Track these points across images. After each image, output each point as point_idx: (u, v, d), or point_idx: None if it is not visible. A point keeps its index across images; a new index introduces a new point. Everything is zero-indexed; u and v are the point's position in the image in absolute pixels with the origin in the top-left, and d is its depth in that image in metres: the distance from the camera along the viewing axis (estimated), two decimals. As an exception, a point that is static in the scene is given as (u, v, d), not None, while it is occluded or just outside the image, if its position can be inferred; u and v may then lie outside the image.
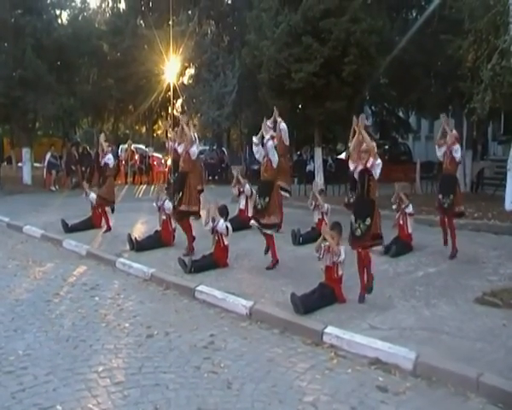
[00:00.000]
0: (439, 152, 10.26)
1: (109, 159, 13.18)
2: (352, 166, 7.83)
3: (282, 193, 11.39)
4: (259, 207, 9.56)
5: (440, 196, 10.18)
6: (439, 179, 10.59)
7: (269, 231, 9.66)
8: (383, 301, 7.59)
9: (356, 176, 7.79)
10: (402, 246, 10.35)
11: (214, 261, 9.64)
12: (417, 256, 10.20)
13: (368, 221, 7.48)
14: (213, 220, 9.58)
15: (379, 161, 7.52)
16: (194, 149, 10.86)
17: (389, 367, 5.75)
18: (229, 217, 10.21)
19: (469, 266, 9.51)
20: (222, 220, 9.58)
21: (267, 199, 9.48)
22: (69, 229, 13.05)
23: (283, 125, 11.70)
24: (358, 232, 7.55)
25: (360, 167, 7.65)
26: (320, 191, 12.25)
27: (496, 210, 13.54)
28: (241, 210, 13.19)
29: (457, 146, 10.08)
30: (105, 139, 13.72)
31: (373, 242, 7.64)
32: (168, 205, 11.26)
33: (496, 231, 12.05)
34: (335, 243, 7.63)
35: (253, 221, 9.77)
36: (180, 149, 11.02)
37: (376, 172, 7.49)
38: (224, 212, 9.81)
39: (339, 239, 7.72)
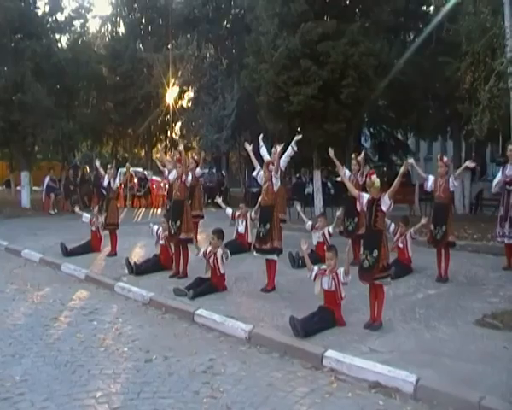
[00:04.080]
0: (428, 185, 10.28)
1: (113, 181, 13.21)
2: (358, 203, 7.82)
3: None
4: (261, 234, 9.53)
5: (432, 227, 10.11)
6: (433, 209, 10.52)
7: (270, 256, 9.61)
8: (383, 323, 7.53)
9: (364, 207, 7.72)
10: (401, 268, 10.30)
11: (213, 286, 9.60)
12: (417, 278, 10.17)
13: (375, 253, 7.34)
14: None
15: (386, 197, 7.43)
16: (189, 179, 10.98)
17: (389, 391, 5.70)
18: (225, 240, 10.27)
19: (469, 288, 9.47)
20: (220, 250, 9.59)
21: (268, 226, 9.45)
22: (68, 253, 13.02)
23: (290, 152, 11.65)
24: (366, 264, 7.45)
25: (368, 197, 7.62)
26: (321, 214, 12.32)
27: (495, 231, 13.50)
28: (240, 234, 13.17)
29: (452, 176, 10.09)
30: (100, 163, 14.02)
31: (381, 274, 7.45)
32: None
33: (495, 253, 12.00)
34: (334, 264, 7.62)
35: (255, 253, 9.76)
36: (171, 177, 11.13)
37: (382, 207, 7.44)
38: (220, 236, 9.81)
39: (336, 261, 7.70)
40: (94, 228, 13.61)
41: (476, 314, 7.87)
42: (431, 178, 10.28)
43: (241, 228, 13.18)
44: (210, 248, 9.72)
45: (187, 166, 11.17)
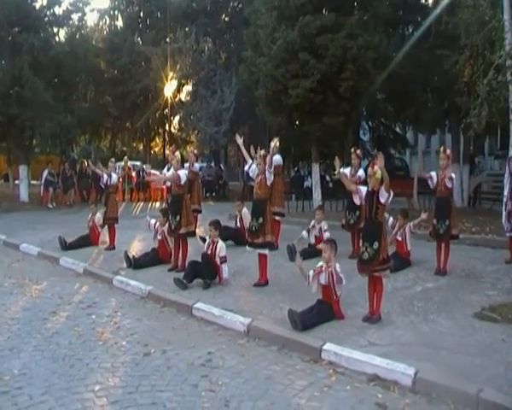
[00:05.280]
0: (433, 183, 10.20)
1: (112, 177, 13.20)
2: (356, 197, 7.82)
3: (277, 218, 11.40)
4: (253, 228, 9.45)
5: (435, 222, 10.03)
6: (435, 203, 10.37)
7: (262, 251, 9.54)
8: (382, 316, 7.54)
9: (363, 200, 7.70)
10: (400, 261, 10.28)
11: (211, 265, 9.65)
12: (415, 271, 10.16)
13: (375, 245, 7.32)
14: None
15: (383, 190, 7.38)
16: (182, 175, 10.95)
17: (388, 384, 5.71)
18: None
19: (467, 281, 9.48)
20: (221, 242, 9.70)
21: (260, 220, 9.37)
22: (67, 246, 13.00)
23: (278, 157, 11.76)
24: (366, 256, 7.42)
25: (367, 189, 7.61)
26: (318, 207, 12.29)
27: (493, 224, 13.52)
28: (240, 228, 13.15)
29: (452, 176, 9.98)
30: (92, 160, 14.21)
31: (381, 266, 7.44)
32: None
33: (493, 246, 12.03)
34: (328, 257, 7.61)
35: (248, 247, 9.74)
36: (169, 175, 11.30)
37: (380, 199, 7.42)
38: (217, 227, 9.85)
39: (331, 254, 7.68)
40: (91, 223, 13.63)
41: (474, 307, 7.88)
42: (434, 175, 10.21)
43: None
44: (209, 239, 9.83)
45: (178, 167, 11.15)
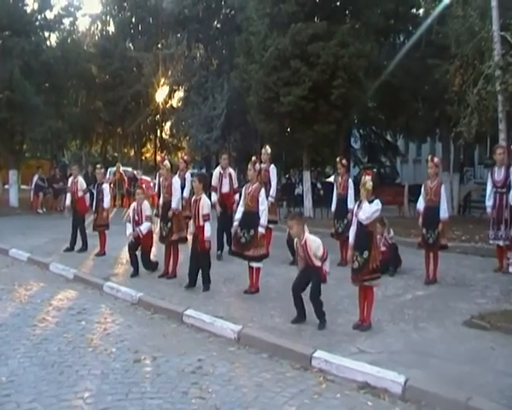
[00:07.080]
0: (420, 206, 10.31)
1: (104, 188, 13.24)
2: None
3: (270, 226, 11.37)
4: (243, 240, 9.36)
5: (424, 231, 10.06)
6: (423, 212, 10.25)
7: (256, 264, 9.52)
8: (372, 324, 7.55)
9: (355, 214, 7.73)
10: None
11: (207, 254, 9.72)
12: (405, 279, 10.20)
13: (365, 254, 7.33)
14: None
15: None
16: (176, 179, 11.10)
17: (378, 392, 5.70)
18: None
19: (457, 289, 9.53)
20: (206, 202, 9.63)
21: (252, 232, 9.30)
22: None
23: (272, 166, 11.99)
24: (356, 265, 7.44)
25: (357, 201, 7.66)
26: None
27: (483, 233, 13.58)
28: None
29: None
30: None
31: (370, 276, 7.43)
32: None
33: (483, 254, 12.10)
34: (296, 231, 7.67)
35: (233, 256, 9.73)
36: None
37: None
38: (201, 180, 9.86)
39: (299, 228, 7.70)
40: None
41: (464, 315, 7.91)
42: (421, 200, 10.27)
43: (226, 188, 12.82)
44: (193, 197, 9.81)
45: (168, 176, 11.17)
